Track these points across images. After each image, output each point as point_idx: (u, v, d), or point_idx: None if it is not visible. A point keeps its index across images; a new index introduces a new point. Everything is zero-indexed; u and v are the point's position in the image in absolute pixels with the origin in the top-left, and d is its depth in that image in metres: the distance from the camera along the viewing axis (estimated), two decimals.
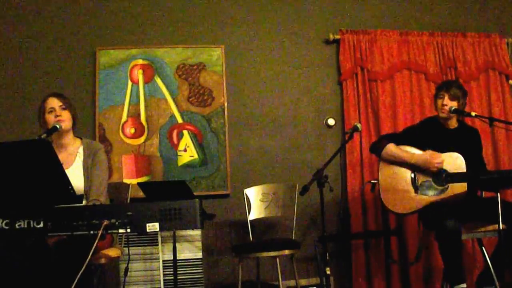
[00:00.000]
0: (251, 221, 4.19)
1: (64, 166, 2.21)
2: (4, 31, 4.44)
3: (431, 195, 3.38)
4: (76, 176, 2.94)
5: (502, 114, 4.71)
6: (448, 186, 3.37)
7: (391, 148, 3.50)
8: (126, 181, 4.24)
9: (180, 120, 4.48)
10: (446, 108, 3.47)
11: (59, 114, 2.96)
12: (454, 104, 3.47)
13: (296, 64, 4.72)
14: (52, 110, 2.97)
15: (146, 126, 4.43)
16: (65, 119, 2.99)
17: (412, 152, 3.45)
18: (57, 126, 2.91)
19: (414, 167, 3.43)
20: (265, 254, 3.69)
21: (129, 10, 4.59)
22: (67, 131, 3.04)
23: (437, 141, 3.48)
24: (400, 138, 3.59)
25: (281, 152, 4.59)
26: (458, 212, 3.20)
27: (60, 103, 3.00)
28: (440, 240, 3.17)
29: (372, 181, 4.07)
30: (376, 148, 3.59)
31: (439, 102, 3.52)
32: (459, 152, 3.38)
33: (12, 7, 4.47)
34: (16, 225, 2.02)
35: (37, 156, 2.07)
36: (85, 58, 4.48)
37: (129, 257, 3.53)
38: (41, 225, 2.01)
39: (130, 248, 3.71)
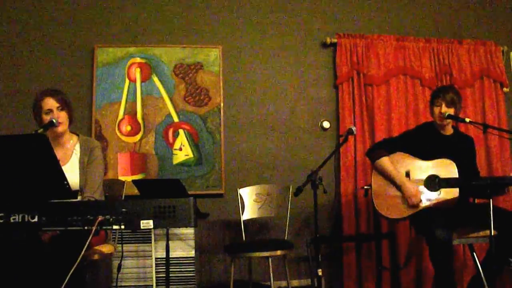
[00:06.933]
0: (244, 221, 4.20)
1: (60, 162, 2.21)
2: (2, 28, 4.44)
3: (423, 201, 3.41)
4: (72, 173, 2.95)
5: (496, 121, 4.74)
6: (440, 192, 3.39)
7: (384, 161, 3.50)
8: (121, 178, 4.25)
9: (176, 119, 4.49)
10: (445, 113, 3.47)
11: (57, 117, 2.96)
12: (451, 110, 3.47)
13: (292, 66, 4.74)
14: (50, 111, 2.96)
15: (142, 124, 4.45)
16: (63, 122, 2.98)
17: (402, 175, 3.46)
18: (54, 120, 2.91)
19: (398, 188, 3.46)
20: (258, 254, 3.71)
21: (128, 9, 4.61)
22: (64, 131, 3.04)
23: (432, 147, 3.50)
24: (396, 144, 3.60)
25: (275, 153, 4.61)
26: (449, 218, 3.22)
27: (57, 105, 2.97)
28: (431, 248, 3.19)
29: (366, 186, 4.09)
30: (372, 155, 3.61)
31: (436, 110, 3.50)
32: (453, 159, 3.39)
33: (10, 4, 4.48)
34: (11, 219, 2.03)
35: (33, 151, 2.07)
36: (83, 55, 4.49)
37: (122, 254, 3.54)
38: (36, 219, 2.02)
39: (123, 245, 3.72)
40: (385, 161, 3.50)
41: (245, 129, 4.61)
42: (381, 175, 3.52)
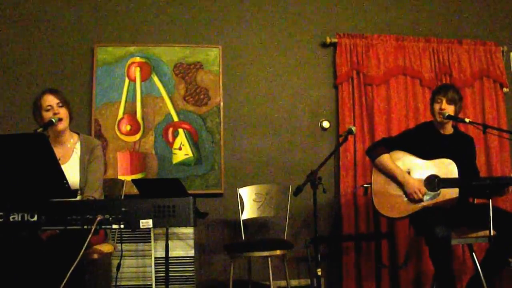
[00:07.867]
0: (243, 220, 4.21)
1: (61, 161, 2.21)
2: (2, 28, 4.44)
3: (425, 198, 3.40)
4: (72, 172, 2.95)
5: (496, 121, 4.74)
6: (440, 191, 3.39)
7: (385, 159, 3.50)
8: (120, 177, 4.25)
9: (176, 119, 4.49)
10: (445, 112, 3.48)
11: (57, 112, 2.96)
12: (451, 108, 3.48)
13: (292, 66, 4.74)
14: (50, 108, 2.96)
15: (142, 124, 4.45)
16: (63, 118, 2.99)
17: (404, 171, 3.46)
18: (53, 120, 2.92)
19: (400, 185, 3.46)
20: (257, 253, 3.71)
21: (128, 8, 4.61)
22: (65, 129, 3.04)
23: (432, 146, 3.50)
24: (396, 143, 3.60)
25: (275, 153, 4.61)
26: (449, 218, 3.22)
27: (57, 101, 2.99)
28: (430, 246, 3.19)
29: (365, 185, 4.09)
30: (372, 154, 3.61)
31: (437, 106, 3.51)
32: (453, 158, 3.40)
33: (10, 4, 4.47)
34: (10, 218, 2.03)
35: (33, 150, 2.07)
36: (83, 55, 4.49)
37: (121, 253, 3.54)
38: (35, 218, 2.02)
39: (122, 244, 3.72)
40: (386, 158, 3.51)
41: (245, 129, 4.61)
42: (382, 172, 3.52)
